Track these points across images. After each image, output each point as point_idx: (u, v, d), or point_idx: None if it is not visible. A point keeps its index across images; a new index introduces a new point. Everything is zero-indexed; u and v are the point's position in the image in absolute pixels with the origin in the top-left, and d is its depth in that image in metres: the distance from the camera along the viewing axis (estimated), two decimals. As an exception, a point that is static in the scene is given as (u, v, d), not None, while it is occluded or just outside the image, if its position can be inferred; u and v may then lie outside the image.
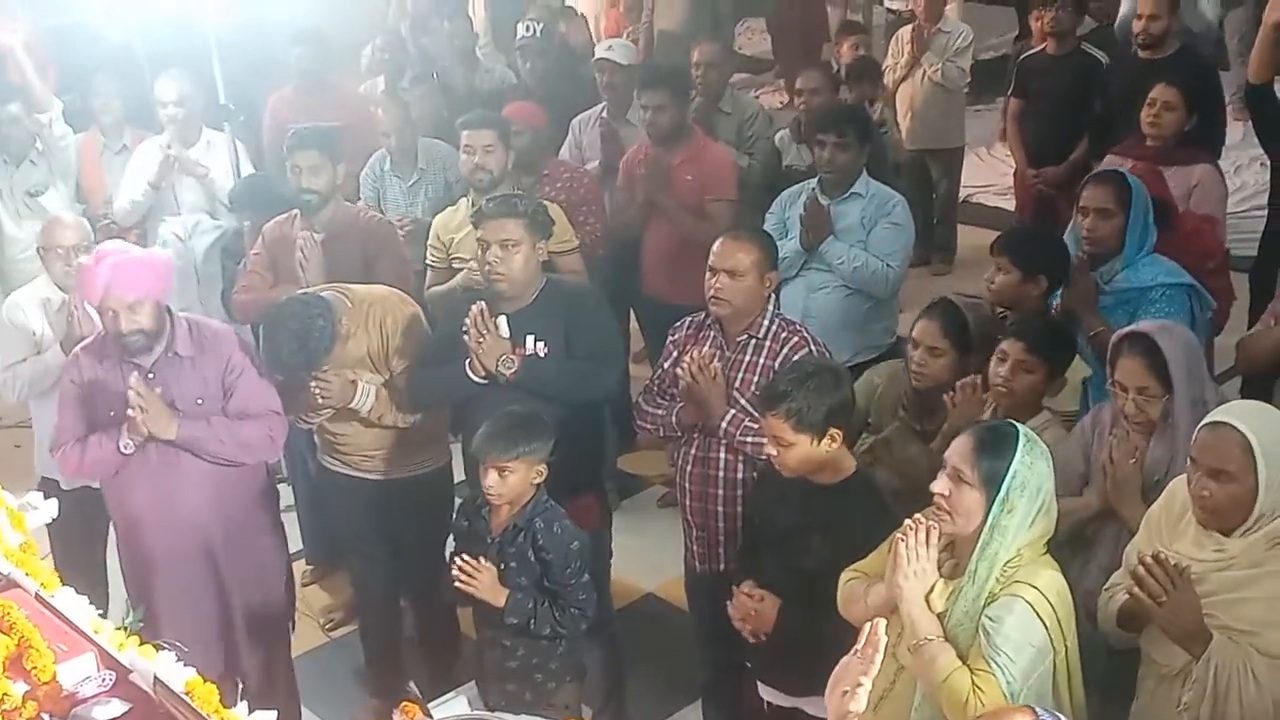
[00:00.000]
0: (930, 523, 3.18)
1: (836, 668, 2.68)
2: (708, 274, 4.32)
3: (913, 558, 3.15)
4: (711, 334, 4.40)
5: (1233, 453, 3.10)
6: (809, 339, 4.34)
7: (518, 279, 4.43)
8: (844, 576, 3.50)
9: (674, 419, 4.38)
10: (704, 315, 4.45)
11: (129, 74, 7.09)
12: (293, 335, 4.34)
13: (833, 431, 3.68)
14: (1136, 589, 3.17)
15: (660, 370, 4.54)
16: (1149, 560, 3.15)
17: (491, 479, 3.91)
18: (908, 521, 3.20)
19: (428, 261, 5.67)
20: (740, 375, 4.30)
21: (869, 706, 3.31)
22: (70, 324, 4.84)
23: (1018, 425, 3.23)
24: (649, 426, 4.54)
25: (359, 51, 8.25)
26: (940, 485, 3.19)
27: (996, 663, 3.07)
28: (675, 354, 4.45)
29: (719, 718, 4.77)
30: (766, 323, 4.33)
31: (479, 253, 4.52)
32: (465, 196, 5.65)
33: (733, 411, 4.24)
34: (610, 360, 4.52)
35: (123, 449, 4.28)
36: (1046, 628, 3.11)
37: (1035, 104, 7.53)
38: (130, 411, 4.17)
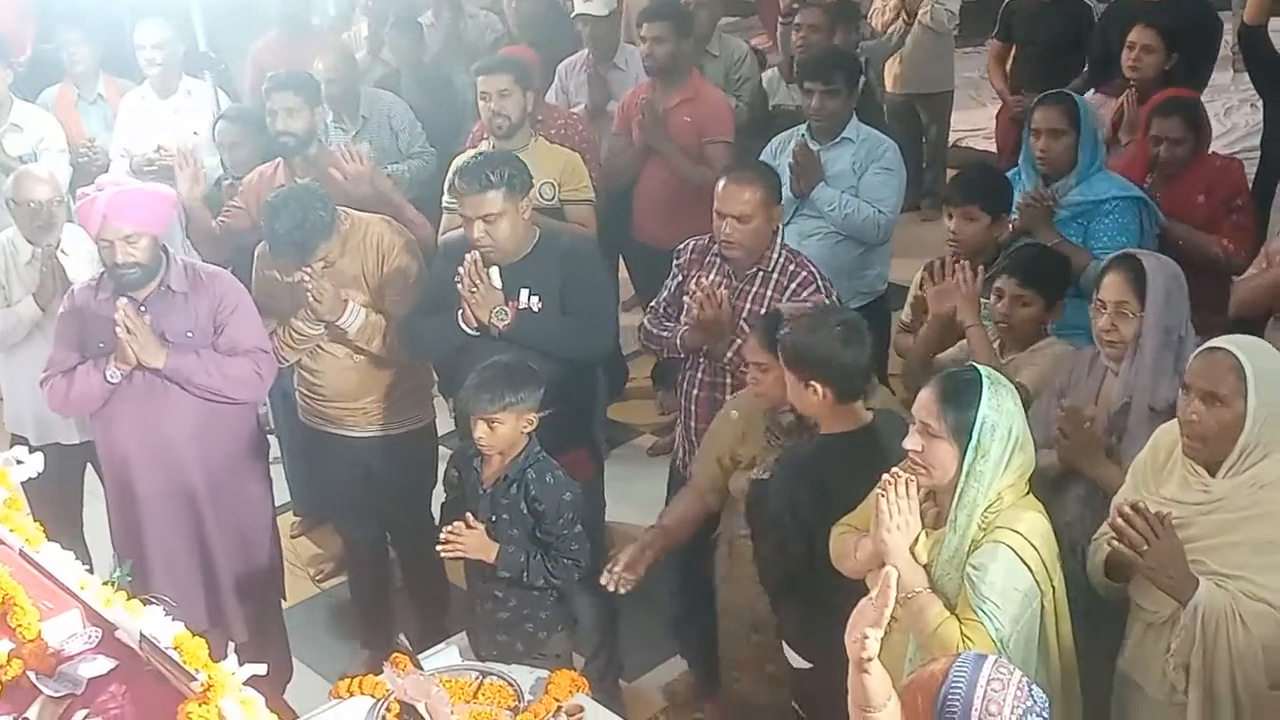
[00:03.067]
0: (908, 475, 3.17)
1: (854, 611, 2.72)
2: (715, 218, 4.35)
3: (894, 511, 3.14)
4: (718, 261, 4.45)
5: (1226, 376, 3.11)
6: (815, 273, 4.41)
7: (507, 246, 4.40)
8: (835, 530, 3.49)
9: (678, 341, 4.43)
10: (708, 239, 4.49)
11: (106, 21, 6.98)
12: (292, 215, 4.42)
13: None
14: (1116, 540, 3.14)
15: (666, 292, 4.60)
16: (1127, 510, 3.12)
17: (481, 430, 3.89)
18: (886, 476, 3.18)
19: (445, 203, 5.58)
20: (748, 306, 4.37)
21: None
22: (43, 276, 4.79)
23: (979, 368, 3.21)
24: (654, 348, 4.60)
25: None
26: (911, 442, 3.18)
27: (984, 611, 3.07)
28: (680, 277, 4.52)
29: (694, 654, 4.81)
30: (774, 255, 4.39)
31: (464, 225, 4.45)
32: (486, 139, 5.53)
33: (739, 341, 4.25)
34: (604, 317, 4.51)
35: (109, 378, 4.27)
36: (1032, 571, 3.11)
37: (1023, 48, 7.47)
38: (118, 332, 4.16)
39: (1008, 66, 7.68)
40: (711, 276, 4.39)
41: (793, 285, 4.35)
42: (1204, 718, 3.15)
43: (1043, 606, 3.15)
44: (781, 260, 4.41)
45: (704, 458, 4.17)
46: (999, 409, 3.10)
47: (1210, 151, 5.41)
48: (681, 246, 4.65)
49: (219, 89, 6.44)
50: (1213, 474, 3.19)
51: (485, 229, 4.33)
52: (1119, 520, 3.13)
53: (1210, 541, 3.14)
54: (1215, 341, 3.21)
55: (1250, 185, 6.42)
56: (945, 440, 3.12)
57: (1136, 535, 3.09)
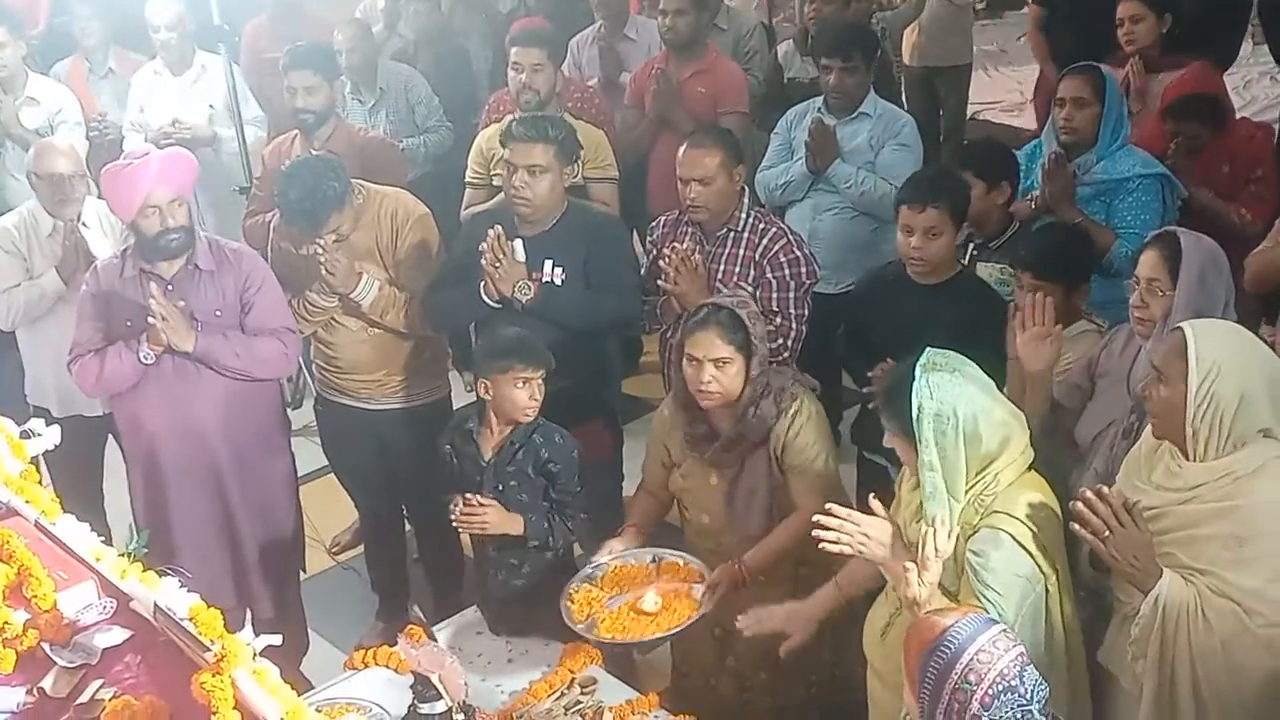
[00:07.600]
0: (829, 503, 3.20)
1: None
2: (680, 184, 4.49)
3: (848, 535, 3.13)
4: (690, 230, 4.58)
5: (1171, 357, 3.07)
6: (785, 229, 4.60)
7: (541, 205, 4.42)
8: None
9: (657, 311, 4.55)
10: (678, 213, 4.64)
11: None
12: (304, 183, 4.45)
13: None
14: (1077, 525, 3.06)
15: (644, 269, 4.74)
16: (1089, 495, 3.04)
17: (523, 397, 3.89)
18: (813, 528, 3.19)
19: (467, 179, 5.61)
20: (722, 267, 4.51)
21: (878, 635, 3.30)
22: (66, 249, 4.80)
23: (924, 358, 3.15)
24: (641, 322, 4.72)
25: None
26: (887, 441, 3.26)
27: (986, 598, 3.06)
28: (655, 252, 4.63)
29: None
30: (744, 216, 4.53)
31: (505, 174, 4.51)
32: (511, 113, 5.49)
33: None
34: (628, 291, 4.53)
35: (143, 359, 4.30)
36: (1033, 556, 3.09)
37: (1057, 14, 7.35)
38: (151, 320, 4.18)
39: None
40: (685, 245, 4.48)
41: (764, 241, 4.49)
42: (1160, 711, 3.08)
43: (1047, 590, 3.14)
44: (751, 219, 4.53)
45: (648, 457, 4.19)
46: (933, 396, 3.08)
47: (1241, 118, 5.39)
48: (654, 224, 4.79)
49: (233, 63, 6.42)
50: (1187, 457, 3.12)
51: (527, 180, 4.39)
52: (1079, 506, 3.05)
53: (1182, 534, 3.07)
54: (1183, 322, 3.17)
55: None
56: (900, 438, 3.17)
57: (1098, 522, 3.02)
